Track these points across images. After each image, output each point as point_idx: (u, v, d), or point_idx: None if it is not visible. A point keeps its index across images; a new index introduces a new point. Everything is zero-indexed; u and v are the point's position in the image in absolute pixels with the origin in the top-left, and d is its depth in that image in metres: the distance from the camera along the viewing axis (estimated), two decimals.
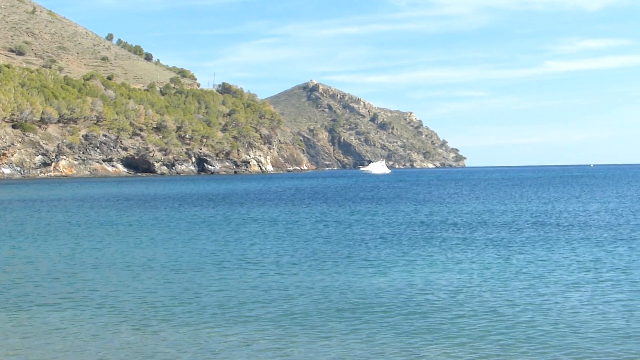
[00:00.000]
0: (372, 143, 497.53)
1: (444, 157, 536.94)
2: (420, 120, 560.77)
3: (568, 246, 29.66)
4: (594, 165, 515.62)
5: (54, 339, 14.25)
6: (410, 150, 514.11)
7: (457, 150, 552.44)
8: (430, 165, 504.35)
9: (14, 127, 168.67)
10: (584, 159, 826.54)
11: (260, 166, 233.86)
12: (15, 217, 51.24)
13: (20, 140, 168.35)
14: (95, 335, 14.53)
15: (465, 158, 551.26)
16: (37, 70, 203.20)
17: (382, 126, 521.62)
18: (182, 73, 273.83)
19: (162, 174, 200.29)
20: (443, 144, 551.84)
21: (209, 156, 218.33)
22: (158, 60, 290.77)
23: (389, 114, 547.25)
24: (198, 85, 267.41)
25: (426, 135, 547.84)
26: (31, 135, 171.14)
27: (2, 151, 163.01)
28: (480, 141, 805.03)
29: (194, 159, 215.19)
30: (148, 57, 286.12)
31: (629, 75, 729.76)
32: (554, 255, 26.86)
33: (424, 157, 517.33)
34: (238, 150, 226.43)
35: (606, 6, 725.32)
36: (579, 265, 23.86)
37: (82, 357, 13.07)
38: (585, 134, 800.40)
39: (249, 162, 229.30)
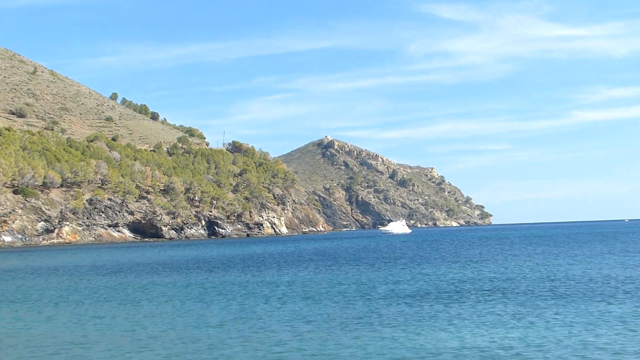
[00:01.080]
0: (391, 201, 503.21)
1: (468, 215, 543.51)
2: (442, 176, 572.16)
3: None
4: (628, 220, 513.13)
5: None
6: (433, 208, 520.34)
7: (483, 207, 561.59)
8: (454, 224, 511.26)
9: (15, 192, 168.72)
10: (617, 214, 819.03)
11: (274, 228, 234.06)
12: (19, 287, 52.76)
13: (21, 206, 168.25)
14: None
15: (491, 215, 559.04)
16: (38, 132, 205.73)
17: (402, 183, 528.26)
18: (190, 132, 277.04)
19: (171, 238, 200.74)
20: (467, 200, 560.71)
21: (220, 219, 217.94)
22: (165, 119, 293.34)
23: (409, 170, 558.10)
24: (207, 144, 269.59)
25: (449, 192, 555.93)
26: (33, 200, 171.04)
27: (3, 218, 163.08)
28: (506, 196, 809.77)
29: (203, 222, 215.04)
30: (154, 117, 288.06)
31: None
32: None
33: (447, 215, 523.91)
34: (250, 212, 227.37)
35: (633, 53, 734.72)
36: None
37: None
38: (617, 187, 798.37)
39: (262, 224, 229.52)
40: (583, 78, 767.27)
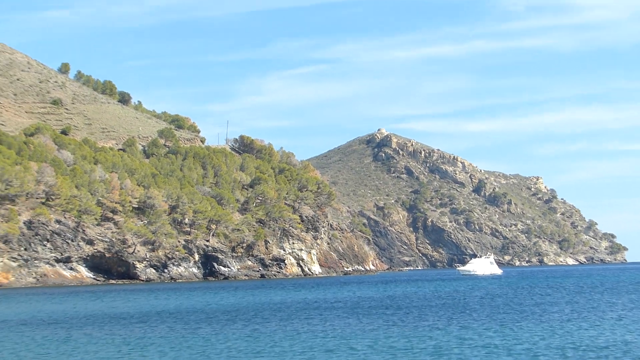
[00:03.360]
0: (477, 227, 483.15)
1: (592, 248, 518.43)
2: (552, 190, 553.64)
3: None
4: None
5: None
6: (539, 237, 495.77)
7: (613, 236, 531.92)
8: (571, 261, 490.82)
9: None
10: None
11: (301, 266, 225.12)
12: None
13: None
14: None
15: (626, 249, 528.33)
16: None
17: (493, 200, 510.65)
18: (178, 122, 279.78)
19: (149, 279, 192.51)
20: (590, 226, 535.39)
21: (222, 251, 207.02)
22: (139, 102, 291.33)
23: (503, 181, 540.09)
24: (202, 140, 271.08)
25: (563, 214, 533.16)
26: None
27: None
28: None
29: (197, 257, 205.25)
30: (124, 99, 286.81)
31: None
32: None
33: (560, 249, 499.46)
34: (266, 242, 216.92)
35: None
36: None
37: None
38: None
39: (283, 261, 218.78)
40: None
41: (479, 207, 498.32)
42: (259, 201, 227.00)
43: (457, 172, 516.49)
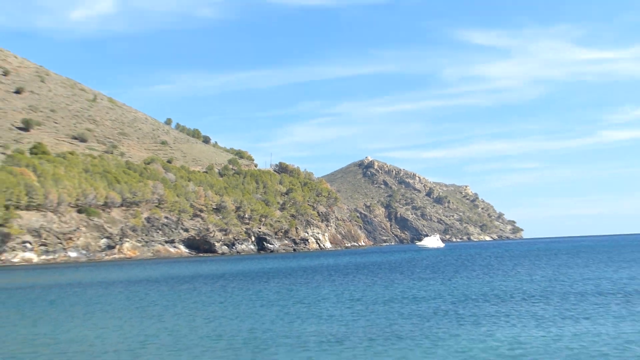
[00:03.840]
0: (428, 217, 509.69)
1: (500, 230, 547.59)
2: (475, 194, 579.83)
3: None
4: None
5: None
6: (467, 223, 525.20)
7: (514, 222, 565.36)
8: (487, 238, 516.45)
9: (79, 211, 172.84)
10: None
11: (318, 243, 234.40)
12: (90, 298, 54.38)
13: (85, 224, 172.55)
14: None
15: (522, 230, 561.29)
16: (99, 156, 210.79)
17: (438, 200, 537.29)
18: (240, 154, 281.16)
19: (223, 253, 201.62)
20: (499, 216, 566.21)
21: (268, 235, 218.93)
22: (216, 142, 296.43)
23: (445, 188, 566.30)
24: (255, 165, 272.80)
25: (482, 209, 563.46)
26: (95, 219, 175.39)
27: (69, 235, 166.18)
28: (537, 213, 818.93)
29: (253, 238, 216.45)
30: (206, 140, 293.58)
31: None
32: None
33: (481, 230, 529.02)
34: (296, 228, 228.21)
35: None
36: None
37: None
38: None
39: (307, 240, 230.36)
40: (611, 99, 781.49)
41: (429, 205, 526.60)
42: (291, 203, 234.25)
43: (416, 183, 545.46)
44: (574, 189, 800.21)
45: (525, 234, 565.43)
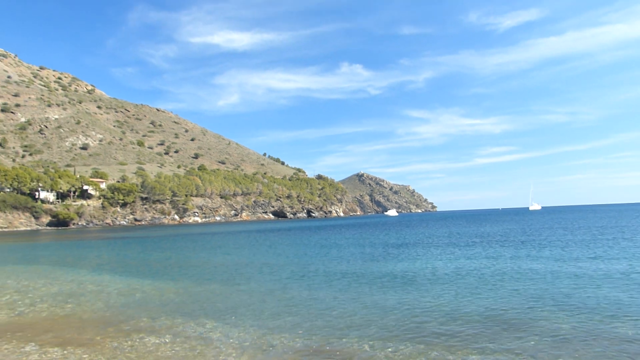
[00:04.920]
0: (391, 201, 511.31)
1: (425, 206, 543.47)
2: (414, 189, 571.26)
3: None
4: (502, 208, 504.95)
5: None
6: (409, 204, 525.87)
7: (432, 202, 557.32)
8: (420, 211, 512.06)
9: (221, 197, 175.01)
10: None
11: (337, 213, 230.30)
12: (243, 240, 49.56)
13: (223, 203, 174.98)
14: None
15: (436, 207, 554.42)
16: (231, 170, 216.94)
17: (395, 192, 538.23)
18: (299, 170, 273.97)
19: (290, 218, 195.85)
20: (425, 200, 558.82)
21: (312, 209, 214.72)
22: (287, 164, 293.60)
23: (399, 186, 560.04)
24: (306, 175, 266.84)
25: (417, 197, 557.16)
26: (229, 201, 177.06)
27: (216, 209, 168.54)
28: (445, 197, 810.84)
29: (305, 211, 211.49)
30: (283, 163, 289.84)
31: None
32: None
33: (416, 207, 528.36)
34: (326, 206, 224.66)
35: (504, 130, 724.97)
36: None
37: None
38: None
39: (331, 211, 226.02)
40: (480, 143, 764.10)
41: (391, 195, 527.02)
42: (323, 193, 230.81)
43: (384, 184, 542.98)
44: (461, 188, 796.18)
45: (439, 209, 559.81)
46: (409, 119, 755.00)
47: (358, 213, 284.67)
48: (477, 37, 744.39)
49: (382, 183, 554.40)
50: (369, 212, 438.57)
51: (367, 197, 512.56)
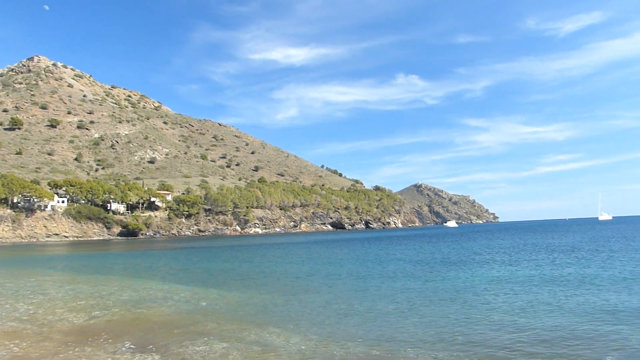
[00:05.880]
0: (450, 212, 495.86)
1: (486, 217, 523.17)
2: (474, 200, 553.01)
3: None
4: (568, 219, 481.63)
5: None
6: (470, 214, 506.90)
7: (494, 213, 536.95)
8: (481, 222, 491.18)
9: (280, 208, 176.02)
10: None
11: (395, 224, 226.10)
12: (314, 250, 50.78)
13: (283, 215, 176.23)
14: None
15: (498, 217, 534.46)
16: (290, 182, 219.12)
17: (455, 203, 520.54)
18: (356, 181, 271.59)
19: (348, 229, 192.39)
20: (486, 210, 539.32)
21: (370, 220, 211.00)
22: (345, 175, 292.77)
23: (458, 197, 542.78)
24: (364, 186, 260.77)
25: (477, 207, 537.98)
26: (288, 212, 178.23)
27: (275, 220, 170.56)
28: (507, 207, 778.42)
29: (363, 222, 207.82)
30: (340, 175, 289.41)
31: None
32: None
33: (477, 218, 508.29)
34: (384, 217, 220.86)
35: (568, 138, 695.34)
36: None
37: None
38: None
39: (389, 222, 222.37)
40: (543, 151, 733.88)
41: (451, 206, 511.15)
42: (381, 204, 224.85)
43: (443, 194, 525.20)
44: (523, 198, 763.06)
45: (500, 219, 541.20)
46: (467, 128, 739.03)
47: (416, 224, 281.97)
48: (536, 43, 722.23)
49: (440, 193, 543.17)
50: (428, 223, 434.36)
51: (425, 208, 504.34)
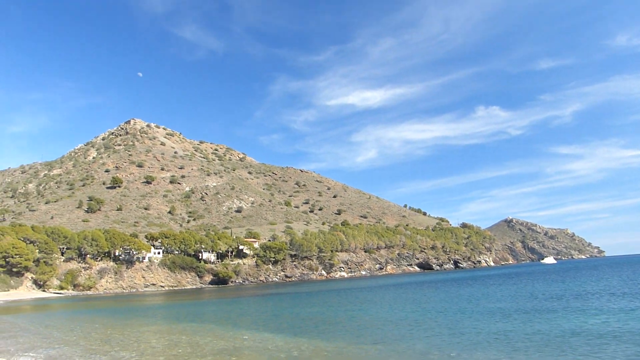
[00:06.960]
0: (547, 247, 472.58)
1: (589, 251, 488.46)
2: (573, 233, 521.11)
3: None
4: None
5: None
6: (570, 249, 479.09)
7: (599, 247, 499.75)
8: (583, 257, 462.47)
9: (365, 251, 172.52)
10: None
11: (486, 263, 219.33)
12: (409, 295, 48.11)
13: (368, 257, 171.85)
14: None
15: (604, 251, 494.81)
16: (373, 224, 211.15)
17: (551, 237, 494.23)
18: (442, 219, 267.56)
19: (436, 270, 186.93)
20: (589, 244, 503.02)
21: (459, 259, 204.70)
22: (429, 214, 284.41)
23: (555, 230, 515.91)
24: (450, 224, 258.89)
25: (578, 241, 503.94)
26: (373, 255, 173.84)
27: (361, 263, 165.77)
28: (613, 240, 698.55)
29: (451, 262, 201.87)
30: (424, 213, 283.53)
31: None
32: None
33: (579, 252, 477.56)
34: (474, 255, 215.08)
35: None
36: None
37: None
38: None
39: (480, 261, 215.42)
40: None
41: (546, 240, 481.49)
42: (470, 242, 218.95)
43: (537, 228, 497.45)
44: (632, 228, 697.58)
45: (607, 254, 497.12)
46: (558, 156, 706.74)
47: (510, 262, 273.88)
48: (629, 60, 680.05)
49: (534, 228, 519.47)
50: (523, 260, 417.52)
51: (518, 244, 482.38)
